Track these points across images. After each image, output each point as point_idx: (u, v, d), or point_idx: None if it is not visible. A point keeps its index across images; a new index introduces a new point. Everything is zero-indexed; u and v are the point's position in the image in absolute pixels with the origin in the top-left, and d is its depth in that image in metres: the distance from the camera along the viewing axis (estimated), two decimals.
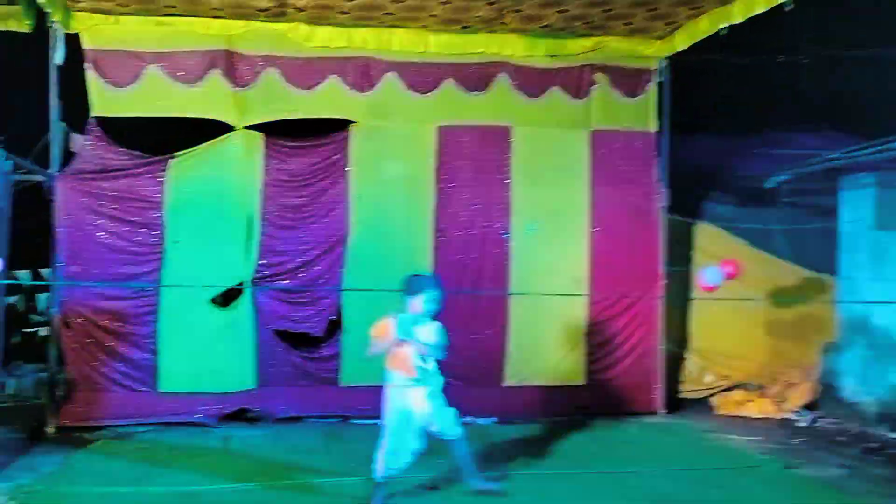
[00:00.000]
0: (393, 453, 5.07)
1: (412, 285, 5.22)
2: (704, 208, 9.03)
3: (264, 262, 7.44)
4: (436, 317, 5.23)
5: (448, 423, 5.23)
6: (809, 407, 8.23)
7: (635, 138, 8.15)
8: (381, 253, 7.59)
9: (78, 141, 7.13)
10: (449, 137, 7.81)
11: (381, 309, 7.39)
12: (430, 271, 5.40)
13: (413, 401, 5.14)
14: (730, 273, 7.70)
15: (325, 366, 7.62)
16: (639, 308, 8.15)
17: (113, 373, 7.16)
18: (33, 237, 7.34)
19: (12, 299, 7.87)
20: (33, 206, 7.14)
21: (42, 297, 7.57)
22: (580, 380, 8.02)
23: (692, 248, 8.84)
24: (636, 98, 8.14)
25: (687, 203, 8.68)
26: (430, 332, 5.18)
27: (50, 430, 6.89)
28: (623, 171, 8.12)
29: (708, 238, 8.83)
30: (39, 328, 8.33)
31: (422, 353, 5.13)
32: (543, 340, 7.98)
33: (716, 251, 8.47)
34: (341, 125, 7.64)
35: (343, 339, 7.60)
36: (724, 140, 9.27)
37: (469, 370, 7.78)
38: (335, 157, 7.60)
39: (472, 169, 7.86)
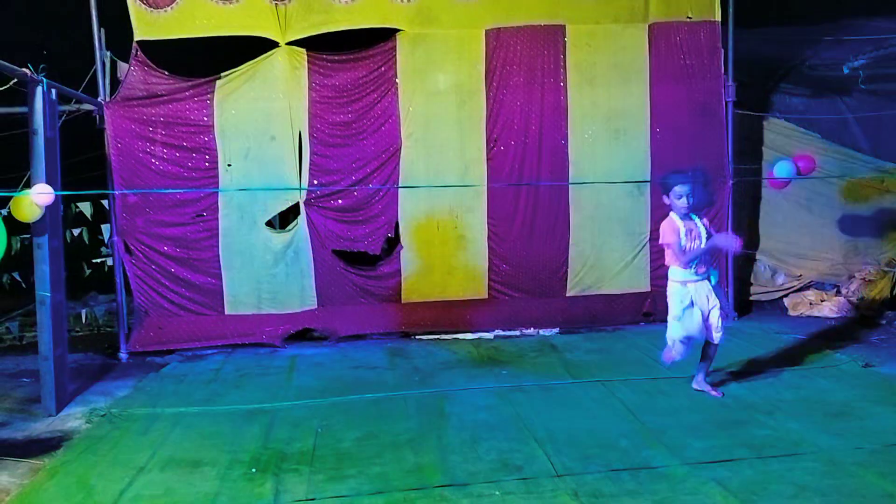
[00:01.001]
0: (676, 343, 5.22)
1: (662, 185, 5.21)
2: (774, 101, 8.60)
3: (316, 182, 7.34)
4: (699, 211, 5.22)
5: (719, 325, 5.24)
6: (888, 304, 7.90)
7: (698, 30, 7.68)
8: (435, 166, 7.44)
9: (124, 68, 7.03)
10: (498, 41, 7.48)
11: (438, 225, 7.53)
12: (684, 167, 5.35)
13: (696, 296, 5.16)
14: (802, 168, 7.34)
15: (385, 284, 7.60)
16: (705, 210, 7.79)
17: (179, 298, 7.26)
18: (92, 169, 7.36)
19: (77, 232, 7.97)
20: (88, 137, 7.13)
21: (106, 228, 7.64)
22: (644, 286, 7.85)
23: (762, 144, 8.44)
24: None
25: (755, 97, 8.29)
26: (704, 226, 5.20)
27: (122, 355, 7.06)
28: (685, 65, 7.71)
29: (778, 133, 8.42)
30: (107, 259, 8.45)
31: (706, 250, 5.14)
32: (605, 248, 7.81)
33: (787, 146, 8.12)
34: (386, 35, 7.36)
35: (402, 257, 7.53)
36: (794, 29, 8.68)
37: (531, 282, 7.75)
38: (382, 69, 7.35)
39: (525, 73, 7.54)
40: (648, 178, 7.66)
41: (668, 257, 5.27)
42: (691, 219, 5.20)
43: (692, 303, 5.17)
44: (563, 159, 7.64)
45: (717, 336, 5.29)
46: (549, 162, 7.63)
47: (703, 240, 5.16)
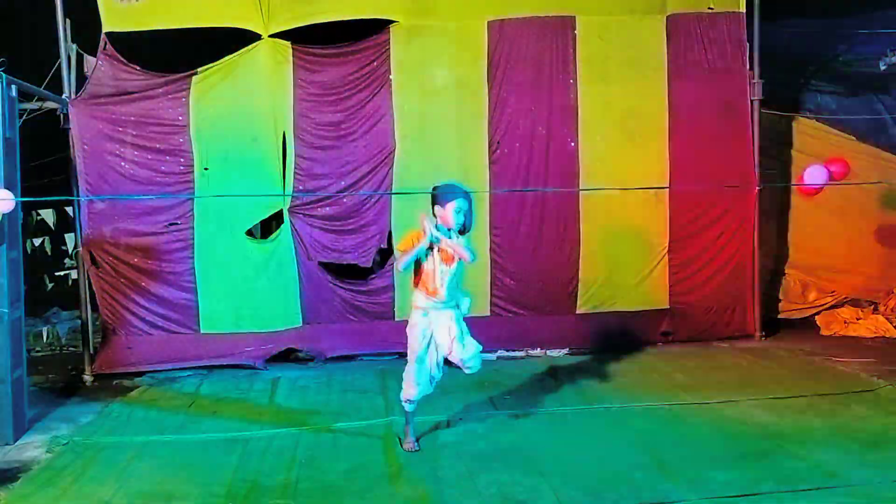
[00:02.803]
0: (416, 382, 5.04)
1: (440, 195, 4.99)
2: (804, 100, 8.61)
3: (302, 187, 7.36)
4: (464, 231, 4.98)
5: (472, 354, 5.11)
6: None
7: (721, 22, 7.75)
8: (431, 171, 7.41)
9: (91, 63, 7.06)
10: (502, 33, 7.52)
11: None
12: (455, 181, 5.18)
13: (438, 324, 5.03)
14: (835, 173, 7.39)
15: (377, 299, 7.61)
16: (729, 219, 7.89)
17: (150, 315, 7.26)
18: (55, 173, 7.39)
19: (38, 241, 7.99)
20: (52, 137, 7.16)
21: (71, 238, 7.66)
22: (663, 303, 7.86)
23: (790, 146, 8.45)
24: None
25: (783, 95, 8.30)
26: (459, 246, 4.94)
27: (87, 378, 7.04)
28: (707, 61, 7.77)
29: (809, 134, 8.46)
30: (71, 271, 8.48)
31: (453, 262, 4.93)
32: (620, 261, 7.82)
33: (818, 149, 8.13)
34: (379, 27, 7.40)
35: (396, 270, 7.53)
36: (826, 21, 8.72)
37: (537, 298, 7.77)
38: (374, 63, 7.39)
39: (531, 69, 7.58)
40: (667, 185, 7.68)
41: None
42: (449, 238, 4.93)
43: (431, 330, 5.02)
44: (573, 163, 7.66)
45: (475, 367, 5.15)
46: (558, 166, 7.65)
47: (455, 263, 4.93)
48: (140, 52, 7.19)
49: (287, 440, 5.30)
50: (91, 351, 7.16)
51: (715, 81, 7.75)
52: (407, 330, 5.13)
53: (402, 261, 4.97)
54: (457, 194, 4.95)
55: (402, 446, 5.11)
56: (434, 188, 5.08)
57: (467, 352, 5.07)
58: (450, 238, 4.91)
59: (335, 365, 7.40)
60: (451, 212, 4.89)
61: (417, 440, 5.14)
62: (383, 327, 7.59)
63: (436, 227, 4.89)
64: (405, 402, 5.13)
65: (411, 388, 5.07)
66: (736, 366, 6.99)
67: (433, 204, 5.00)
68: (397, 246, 5.13)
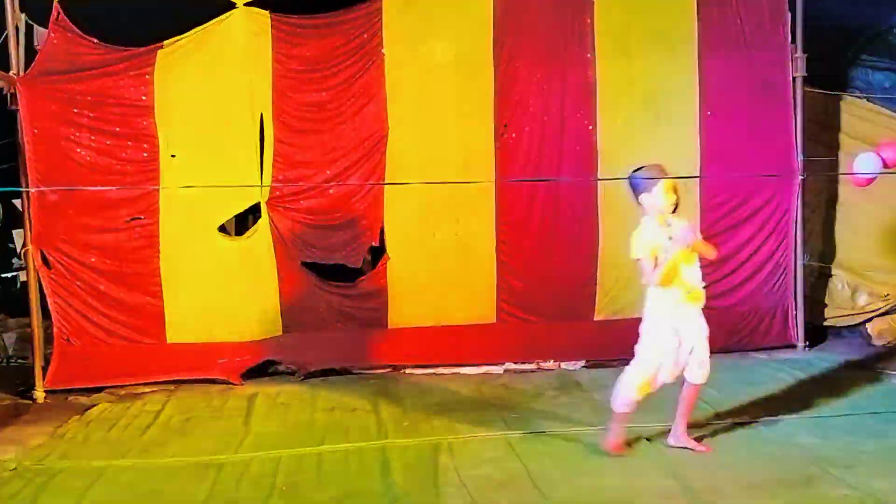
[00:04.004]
0: (634, 385, 5.19)
1: (641, 182, 5.20)
2: (853, 77, 8.60)
3: (282, 176, 7.36)
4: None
5: (702, 360, 5.23)
6: None
7: None
8: (430, 158, 7.48)
9: (42, 35, 7.05)
10: (511, 1, 7.53)
11: (434, 231, 7.54)
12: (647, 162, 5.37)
13: (684, 323, 5.16)
14: (889, 160, 7.36)
15: (368, 305, 7.63)
16: (768, 213, 7.92)
17: (110, 322, 7.27)
18: (1, 160, 7.39)
19: None
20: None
21: (19, 235, 7.65)
22: None
23: (838, 129, 8.45)
24: None
25: (829, 71, 8.29)
26: (689, 231, 5.17)
27: (38, 394, 7.04)
28: (743, 33, 7.80)
29: (858, 115, 8.45)
30: (19, 273, 8.48)
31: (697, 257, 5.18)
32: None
33: (869, 132, 8.11)
34: None
35: (389, 271, 7.55)
36: None
37: (550, 303, 7.80)
38: (364, 36, 7.39)
39: (543, 42, 7.61)
40: (698, 174, 7.68)
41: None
42: (669, 223, 5.16)
43: (674, 333, 5.16)
44: (591, 149, 7.68)
45: (701, 374, 5.25)
46: (573, 153, 7.67)
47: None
48: (98, 23, 7.17)
49: (265, 465, 5.28)
50: (42, 364, 7.14)
51: (752, 56, 7.76)
52: (642, 333, 5.24)
53: (657, 273, 5.09)
54: (660, 173, 5.16)
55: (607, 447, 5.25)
56: (631, 177, 5.27)
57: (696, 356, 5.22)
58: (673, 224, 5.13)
59: (320, 379, 7.41)
60: (662, 194, 5.09)
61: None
62: (374, 336, 7.62)
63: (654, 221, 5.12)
64: (621, 403, 5.23)
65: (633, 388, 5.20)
66: (776, 380, 6.98)
67: (636, 194, 5.20)
68: (636, 253, 5.16)
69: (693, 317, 5.21)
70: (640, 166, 5.31)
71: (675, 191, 5.14)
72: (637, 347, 5.24)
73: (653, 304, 5.22)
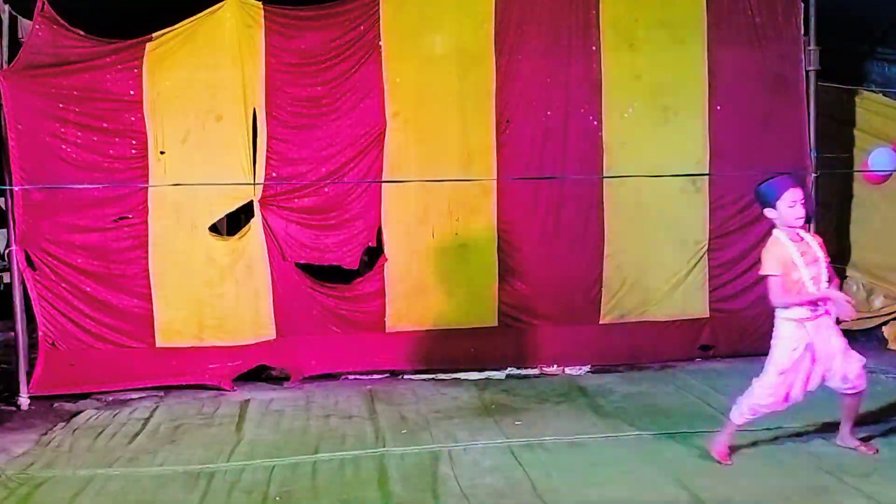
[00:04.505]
0: (761, 398, 5.21)
1: (765, 192, 5.19)
2: (869, 70, 8.60)
3: (275, 174, 7.37)
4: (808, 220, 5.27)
5: (854, 367, 5.22)
6: None
7: None
8: (429, 154, 7.50)
9: (27, 27, 7.05)
10: None
11: (433, 231, 7.54)
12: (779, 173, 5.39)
13: (817, 336, 5.14)
14: None
15: (365, 307, 7.63)
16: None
17: (96, 326, 7.26)
18: None
19: None
20: None
21: (2, 234, 7.64)
22: (702, 312, 7.91)
23: (853, 125, 8.46)
24: None
25: (844, 65, 8.29)
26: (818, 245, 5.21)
27: (22, 400, 7.04)
28: (754, 25, 7.81)
29: (874, 111, 8.47)
30: (3, 274, 8.46)
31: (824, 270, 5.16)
32: (651, 261, 7.84)
33: (885, 128, 8.13)
34: None
35: (387, 272, 7.56)
36: None
37: (554, 305, 7.81)
38: (360, 28, 7.40)
39: (546, 34, 7.62)
40: (707, 171, 7.69)
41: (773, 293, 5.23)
42: (801, 237, 5.20)
43: (807, 348, 5.17)
44: (596, 146, 7.69)
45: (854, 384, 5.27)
46: (578, 149, 7.68)
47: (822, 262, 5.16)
48: (85, 14, 7.17)
49: (258, 473, 5.30)
50: (27, 369, 7.15)
51: (763, 49, 7.78)
52: (773, 342, 5.27)
53: (786, 300, 5.13)
54: (785, 184, 5.13)
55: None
56: (756, 190, 5.26)
57: (854, 367, 5.22)
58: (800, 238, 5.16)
59: (315, 385, 7.42)
60: (787, 206, 5.06)
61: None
62: (372, 340, 7.63)
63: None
64: (746, 413, 5.26)
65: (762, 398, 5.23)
66: None
67: (763, 206, 5.19)
68: (767, 269, 5.16)
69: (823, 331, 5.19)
70: (767, 177, 5.30)
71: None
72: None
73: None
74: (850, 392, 5.29)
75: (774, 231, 5.20)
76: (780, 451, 5.42)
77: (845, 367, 5.19)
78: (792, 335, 5.15)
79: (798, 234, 5.17)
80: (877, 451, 5.33)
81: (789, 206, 5.07)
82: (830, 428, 5.75)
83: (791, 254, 5.09)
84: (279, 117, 7.36)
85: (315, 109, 7.42)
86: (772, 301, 5.17)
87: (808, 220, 5.29)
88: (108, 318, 7.27)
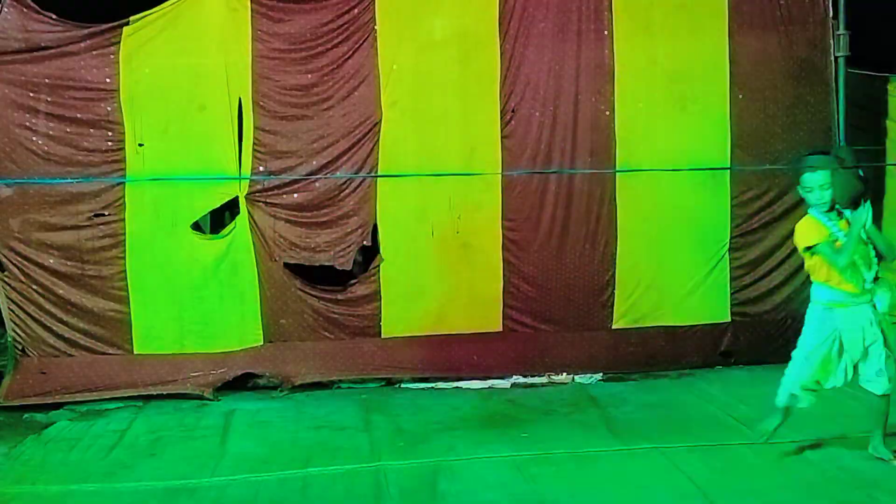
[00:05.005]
0: (793, 385, 5.47)
1: (798, 169, 5.37)
2: None
3: (262, 168, 7.38)
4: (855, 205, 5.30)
5: (880, 366, 5.31)
6: None
7: None
8: (428, 147, 7.50)
9: None
10: None
11: (433, 229, 7.55)
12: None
13: (849, 322, 5.29)
14: None
15: (359, 311, 7.65)
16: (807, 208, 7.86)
17: (70, 331, 7.28)
18: None
19: None
20: None
21: None
22: (722, 316, 7.91)
23: (885, 115, 8.48)
24: None
25: (876, 50, 8.28)
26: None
27: None
28: (779, 7, 7.81)
29: None
30: None
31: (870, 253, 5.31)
32: (668, 262, 7.84)
33: None
34: None
35: (382, 273, 7.57)
36: None
37: (563, 309, 7.81)
38: (354, 11, 7.41)
39: (554, 17, 7.63)
40: (728, 165, 7.69)
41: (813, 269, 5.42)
42: (836, 220, 5.30)
43: (834, 334, 5.31)
44: (608, 137, 7.70)
45: (876, 385, 5.34)
46: (588, 141, 7.69)
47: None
48: None
49: (244, 489, 5.31)
50: None
51: (789, 33, 7.79)
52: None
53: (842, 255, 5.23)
54: (803, 168, 5.32)
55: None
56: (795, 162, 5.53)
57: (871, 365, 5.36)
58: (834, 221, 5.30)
59: (305, 394, 7.43)
60: (804, 192, 5.33)
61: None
62: (366, 346, 7.64)
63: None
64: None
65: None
66: (816, 395, 6.95)
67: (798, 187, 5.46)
68: (800, 238, 5.38)
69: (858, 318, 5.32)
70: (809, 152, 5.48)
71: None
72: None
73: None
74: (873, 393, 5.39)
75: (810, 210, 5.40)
76: (806, 466, 5.43)
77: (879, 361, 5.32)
78: (822, 318, 5.41)
79: (833, 216, 5.31)
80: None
81: (807, 191, 5.33)
82: (862, 441, 5.76)
83: (830, 228, 5.27)
84: (267, 107, 7.37)
85: (305, 99, 7.43)
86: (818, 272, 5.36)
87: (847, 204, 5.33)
88: (83, 322, 7.29)
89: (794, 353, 5.55)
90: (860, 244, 5.21)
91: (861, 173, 5.24)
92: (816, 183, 5.23)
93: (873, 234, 5.30)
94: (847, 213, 5.32)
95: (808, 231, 5.32)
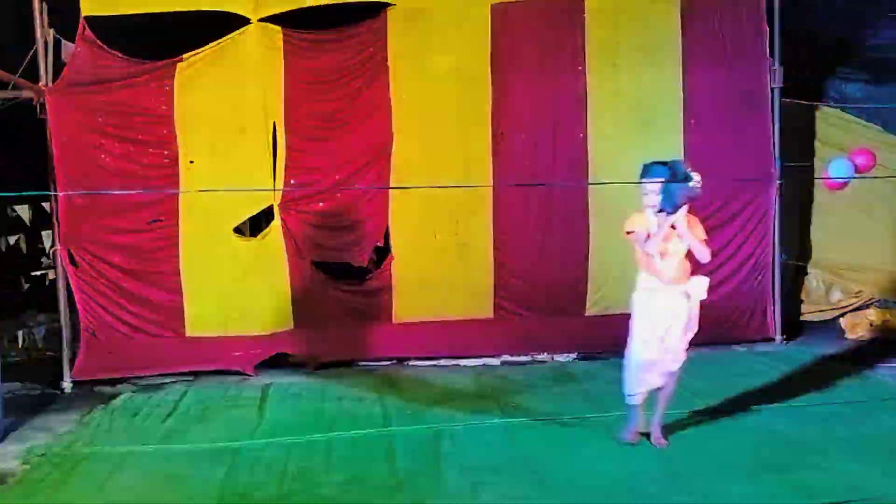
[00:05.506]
0: (636, 373, 5.15)
1: (643, 174, 5.18)
2: (828, 88, 8.59)
3: (293, 181, 7.35)
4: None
5: (676, 350, 5.19)
6: None
7: (740, 6, 7.77)
8: (432, 164, 7.49)
9: (69, 49, 7.05)
10: (507, 18, 7.52)
11: (435, 232, 7.52)
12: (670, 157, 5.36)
13: (660, 305, 5.14)
14: (861, 165, 7.37)
15: (374, 301, 7.63)
16: (748, 215, 7.90)
17: (132, 318, 7.27)
18: (31, 166, 7.37)
19: (13, 239, 7.97)
20: (28, 128, 7.15)
21: (48, 235, 7.64)
22: None
23: (814, 137, 8.45)
24: None
25: (806, 83, 8.27)
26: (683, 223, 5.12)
27: (65, 385, 7.04)
28: (725, 47, 7.78)
29: (833, 124, 8.45)
30: (48, 271, 8.45)
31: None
32: (630, 260, 7.76)
33: (843, 140, 8.12)
34: (375, 11, 7.40)
35: (393, 269, 7.55)
36: (852, 3, 8.70)
37: (544, 299, 7.78)
38: (370, 50, 7.40)
39: (537, 55, 7.61)
40: None
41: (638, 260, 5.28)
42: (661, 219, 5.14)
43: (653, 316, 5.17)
44: (582, 155, 7.67)
45: (672, 364, 5.19)
46: (566, 158, 7.66)
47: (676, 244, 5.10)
48: (121, 37, 7.18)
49: (278, 451, 5.29)
50: (69, 356, 7.15)
51: (733, 69, 7.76)
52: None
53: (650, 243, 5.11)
54: (643, 174, 5.19)
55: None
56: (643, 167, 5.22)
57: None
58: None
59: (329, 371, 7.39)
60: (642, 194, 5.15)
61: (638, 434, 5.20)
62: (381, 331, 7.61)
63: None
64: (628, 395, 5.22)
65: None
66: (755, 371, 6.97)
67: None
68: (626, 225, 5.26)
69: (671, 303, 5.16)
70: (651, 162, 5.28)
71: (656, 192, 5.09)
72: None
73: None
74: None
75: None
76: (747, 432, 5.41)
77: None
78: (642, 305, 5.25)
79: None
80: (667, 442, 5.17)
81: (644, 193, 5.18)
82: (792, 410, 5.76)
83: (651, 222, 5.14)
84: (297, 130, 7.35)
85: (329, 123, 7.42)
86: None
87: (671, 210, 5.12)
88: (143, 310, 7.28)
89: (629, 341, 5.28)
90: (676, 243, 5.08)
91: (689, 184, 5.03)
92: (650, 188, 5.10)
93: (689, 238, 5.10)
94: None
95: (632, 220, 5.22)
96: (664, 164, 5.17)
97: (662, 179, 5.06)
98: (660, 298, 5.14)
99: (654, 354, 5.11)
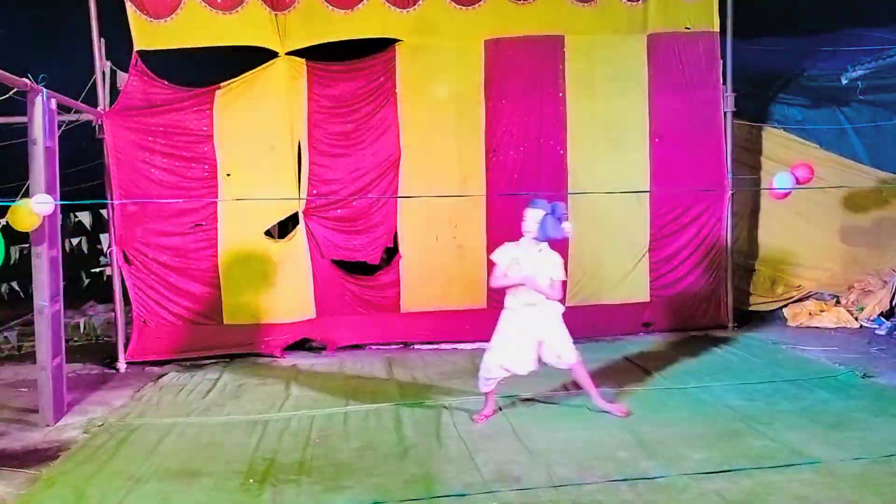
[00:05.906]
0: (488, 368, 5.17)
1: (530, 205, 5.09)
2: (772, 111, 8.60)
3: (315, 191, 7.36)
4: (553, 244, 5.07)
5: (565, 349, 5.17)
6: (887, 315, 7.91)
7: (697, 40, 7.75)
8: (434, 176, 7.48)
9: (124, 78, 7.06)
10: (498, 51, 7.52)
11: (437, 234, 7.52)
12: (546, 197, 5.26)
13: (527, 323, 5.12)
14: (800, 178, 7.35)
15: (384, 293, 7.62)
16: (704, 220, 7.92)
17: (177, 308, 7.27)
18: (91, 178, 7.39)
19: (76, 241, 7.99)
20: (88, 146, 7.16)
21: (105, 238, 7.66)
22: (644, 296, 7.88)
23: (760, 153, 8.47)
24: None
25: (754, 107, 8.33)
26: (547, 264, 5.06)
27: (120, 365, 7.06)
28: (684, 76, 7.78)
29: (777, 143, 8.46)
30: (106, 268, 8.47)
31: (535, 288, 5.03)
32: (605, 258, 7.82)
33: (785, 156, 8.13)
34: (386, 45, 7.40)
35: (401, 266, 7.55)
36: (793, 39, 8.71)
37: None
38: (381, 79, 7.40)
39: (524, 83, 7.59)
40: (648, 189, 7.67)
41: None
42: (532, 249, 5.08)
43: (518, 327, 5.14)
44: (562, 169, 7.67)
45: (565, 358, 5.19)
46: (549, 171, 7.65)
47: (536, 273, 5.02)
48: (168, 68, 7.19)
49: (302, 422, 5.31)
50: (124, 341, 7.16)
51: (691, 95, 7.76)
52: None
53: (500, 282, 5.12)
54: (529, 206, 5.07)
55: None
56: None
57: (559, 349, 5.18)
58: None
59: (345, 353, 7.42)
60: (529, 223, 5.04)
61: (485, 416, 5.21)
62: (390, 319, 7.62)
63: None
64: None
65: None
66: (711, 353, 6.98)
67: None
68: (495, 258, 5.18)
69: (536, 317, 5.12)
70: (537, 197, 5.20)
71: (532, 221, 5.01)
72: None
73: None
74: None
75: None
76: (703, 405, 5.41)
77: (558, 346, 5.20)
78: (507, 318, 5.24)
79: (539, 248, 5.08)
80: (628, 413, 5.17)
81: (523, 220, 5.07)
82: (741, 386, 5.76)
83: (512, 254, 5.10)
84: (318, 148, 7.36)
85: (346, 141, 7.41)
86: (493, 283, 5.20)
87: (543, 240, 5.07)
88: (187, 301, 7.28)
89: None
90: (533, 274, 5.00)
91: (562, 225, 4.95)
92: (531, 217, 5.03)
93: (543, 274, 5.04)
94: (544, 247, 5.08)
95: (500, 250, 5.18)
96: (547, 199, 5.10)
97: (543, 211, 4.98)
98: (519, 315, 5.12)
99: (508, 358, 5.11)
